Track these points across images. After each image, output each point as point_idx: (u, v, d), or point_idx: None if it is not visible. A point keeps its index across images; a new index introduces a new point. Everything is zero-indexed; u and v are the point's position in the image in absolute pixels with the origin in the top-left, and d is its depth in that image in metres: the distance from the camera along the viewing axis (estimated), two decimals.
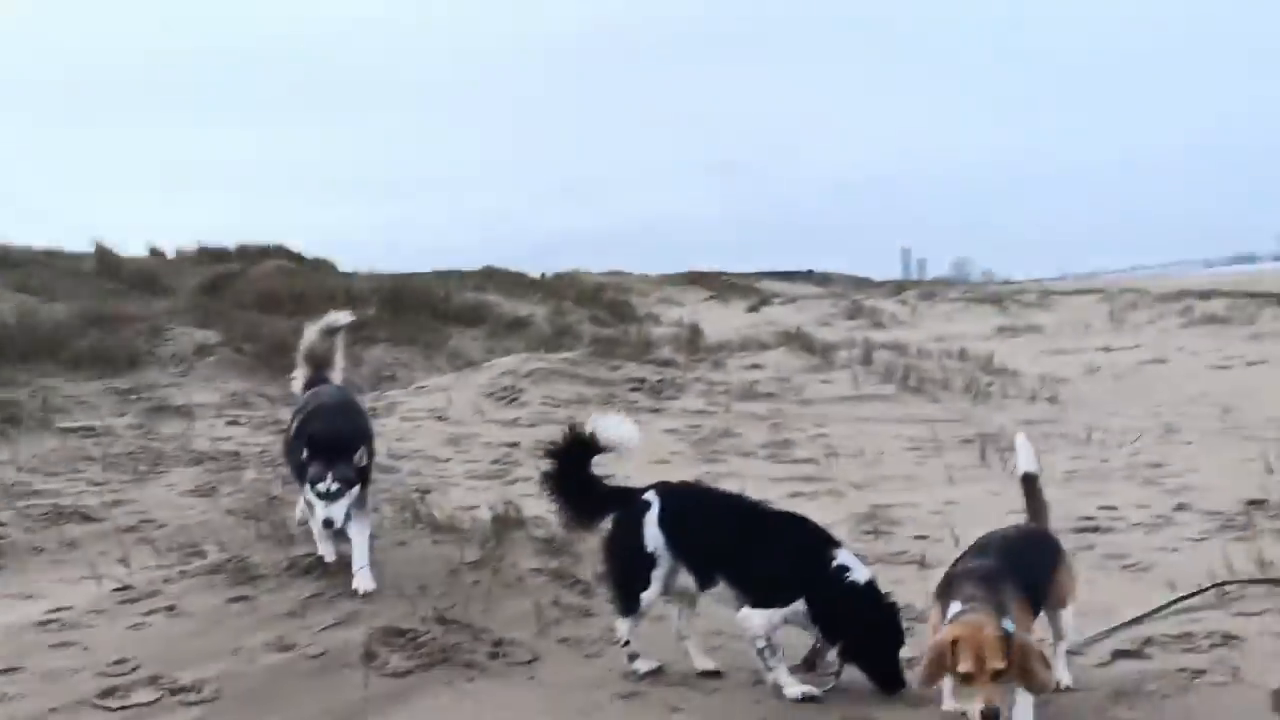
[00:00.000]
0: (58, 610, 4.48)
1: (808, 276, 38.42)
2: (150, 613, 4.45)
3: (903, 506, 6.40)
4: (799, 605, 3.89)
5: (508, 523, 5.51)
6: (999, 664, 3.12)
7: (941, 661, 3.24)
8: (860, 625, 3.84)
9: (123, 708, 3.72)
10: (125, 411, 10.63)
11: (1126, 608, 4.50)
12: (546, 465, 4.30)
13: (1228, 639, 4.03)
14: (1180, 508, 6.45)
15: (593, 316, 19.85)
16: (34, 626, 4.34)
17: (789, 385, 10.32)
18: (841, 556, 3.94)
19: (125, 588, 4.71)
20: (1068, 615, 3.83)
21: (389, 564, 4.91)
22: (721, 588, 3.99)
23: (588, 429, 4.24)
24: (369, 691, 3.86)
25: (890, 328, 20.24)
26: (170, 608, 4.49)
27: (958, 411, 9.47)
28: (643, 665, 4.09)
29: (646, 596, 4.04)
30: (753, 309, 23.63)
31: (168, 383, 12.42)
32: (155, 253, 24.01)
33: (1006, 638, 3.18)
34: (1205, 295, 20.35)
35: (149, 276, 20.99)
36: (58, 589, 4.88)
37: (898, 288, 32.14)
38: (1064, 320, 19.83)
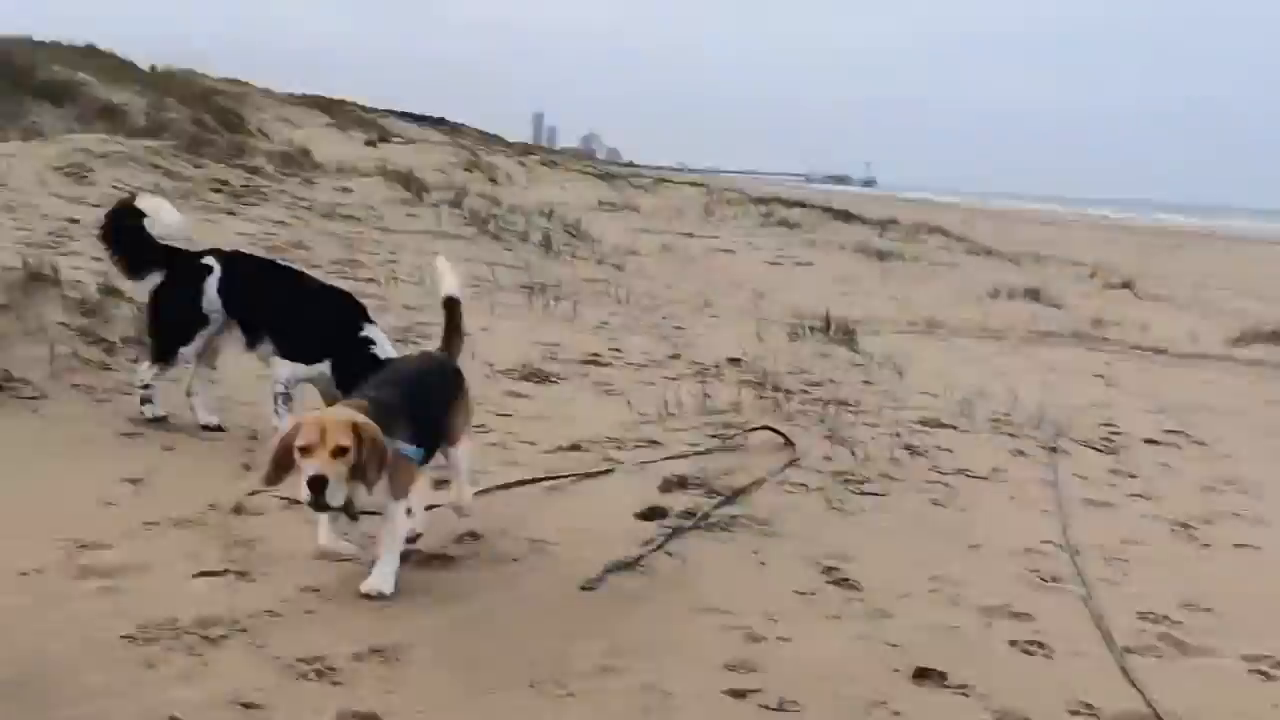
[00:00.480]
0: None
1: (438, 124, 38.07)
2: None
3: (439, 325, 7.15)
4: (324, 367, 4.47)
5: (43, 279, 5.56)
6: (343, 440, 2.91)
7: (287, 449, 2.98)
8: None
9: None
10: None
11: (599, 424, 5.48)
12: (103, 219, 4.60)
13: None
14: (674, 357, 7.72)
15: (196, 119, 18.67)
16: None
17: (374, 213, 10.71)
18: (370, 330, 4.56)
19: None
20: (461, 452, 3.67)
21: None
22: (265, 345, 4.50)
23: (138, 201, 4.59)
24: None
25: (503, 185, 20.99)
26: None
27: (525, 261, 10.37)
28: (151, 411, 4.50)
29: (185, 351, 4.46)
30: (371, 143, 23.32)
31: None
32: None
33: (357, 424, 2.97)
34: (790, 204, 23.10)
35: None
36: None
37: (525, 150, 32.99)
38: (662, 205, 21.52)
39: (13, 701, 2.44)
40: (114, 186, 9.39)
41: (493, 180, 21.39)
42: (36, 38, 23.00)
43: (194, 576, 3.17)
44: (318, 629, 2.92)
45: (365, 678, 2.68)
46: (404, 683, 2.69)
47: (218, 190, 10.07)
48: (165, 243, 4.54)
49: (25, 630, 2.75)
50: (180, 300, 4.44)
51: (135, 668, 2.61)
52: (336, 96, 32.93)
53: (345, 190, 11.47)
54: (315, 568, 3.29)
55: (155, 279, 4.49)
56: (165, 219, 4.54)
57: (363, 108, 33.46)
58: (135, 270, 4.53)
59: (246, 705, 2.49)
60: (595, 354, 7.34)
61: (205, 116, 19.52)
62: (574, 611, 3.27)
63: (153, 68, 25.45)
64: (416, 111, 39.40)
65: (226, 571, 3.22)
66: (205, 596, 3.03)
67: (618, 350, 7.64)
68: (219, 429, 4.59)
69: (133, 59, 24.66)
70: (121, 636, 2.74)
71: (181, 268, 4.48)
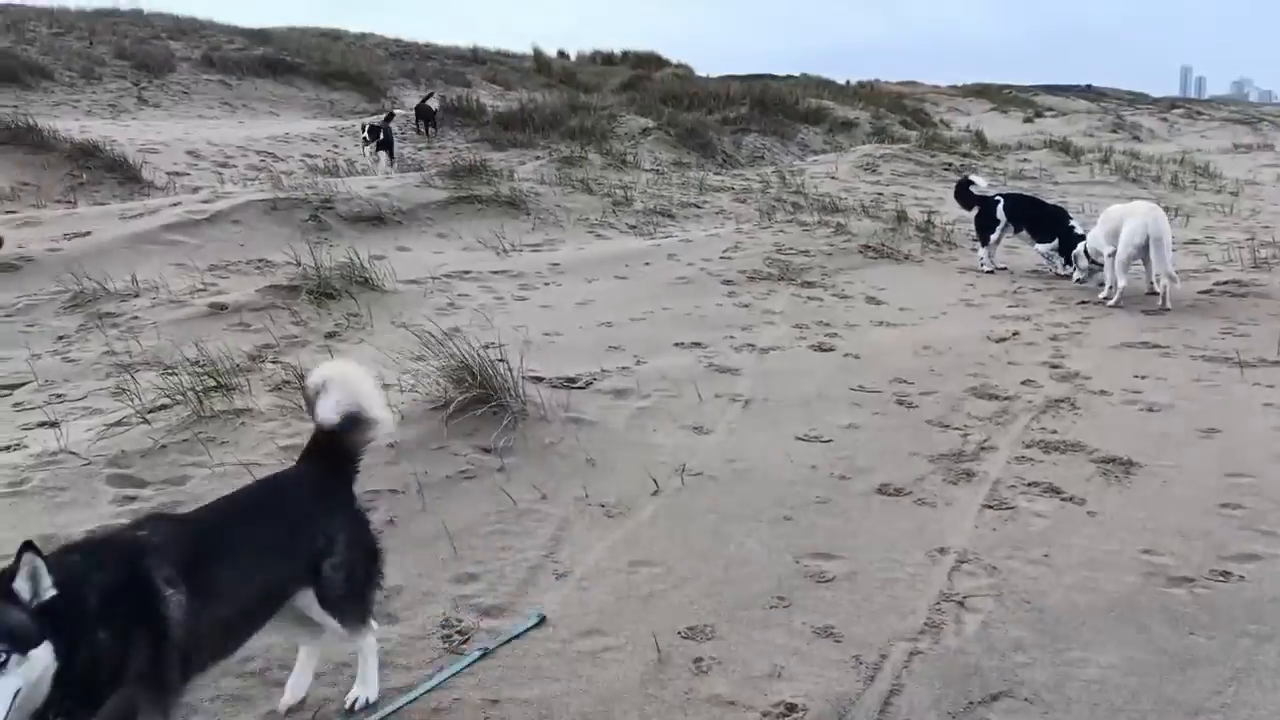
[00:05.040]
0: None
1: (1084, 91, 41.54)
2: None
3: None
4: (1054, 244, 10.43)
5: (904, 218, 12.15)
6: None
7: None
8: None
9: None
10: (608, 165, 17.79)
11: None
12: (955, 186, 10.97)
13: None
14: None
15: (901, 121, 25.76)
16: None
17: (1047, 173, 16.29)
18: (1074, 225, 10.38)
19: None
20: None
21: None
22: (1026, 235, 10.54)
23: (970, 175, 10.89)
24: None
25: (1146, 141, 24.90)
26: None
27: (1155, 195, 15.14)
28: (986, 267, 10.77)
29: (992, 239, 10.68)
30: (1028, 120, 28.61)
31: (622, 151, 19.59)
32: (562, 55, 31.59)
33: None
34: None
35: (569, 74, 28.54)
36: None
37: (1170, 105, 35.45)
38: None
39: None
40: (892, 173, 16.22)
41: (1135, 138, 25.38)
42: (777, 73, 32.20)
43: None
44: None
45: None
46: None
47: (947, 168, 16.46)
48: (978, 193, 10.67)
49: None
50: (988, 216, 10.49)
51: None
52: (991, 82, 38.57)
53: (1025, 161, 17.27)
54: None
55: (976, 209, 10.60)
56: (980, 182, 10.69)
57: (1015, 88, 38.59)
58: (968, 206, 10.70)
59: None
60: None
61: (906, 117, 26.52)
62: None
63: (848, 82, 33.57)
64: (1063, 83, 43.29)
65: None
66: None
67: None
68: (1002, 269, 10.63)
69: (832, 77, 32.92)
70: None
71: (987, 201, 10.56)
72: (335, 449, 2.95)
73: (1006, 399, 5.82)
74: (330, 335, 6.81)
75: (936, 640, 3.34)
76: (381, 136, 15.87)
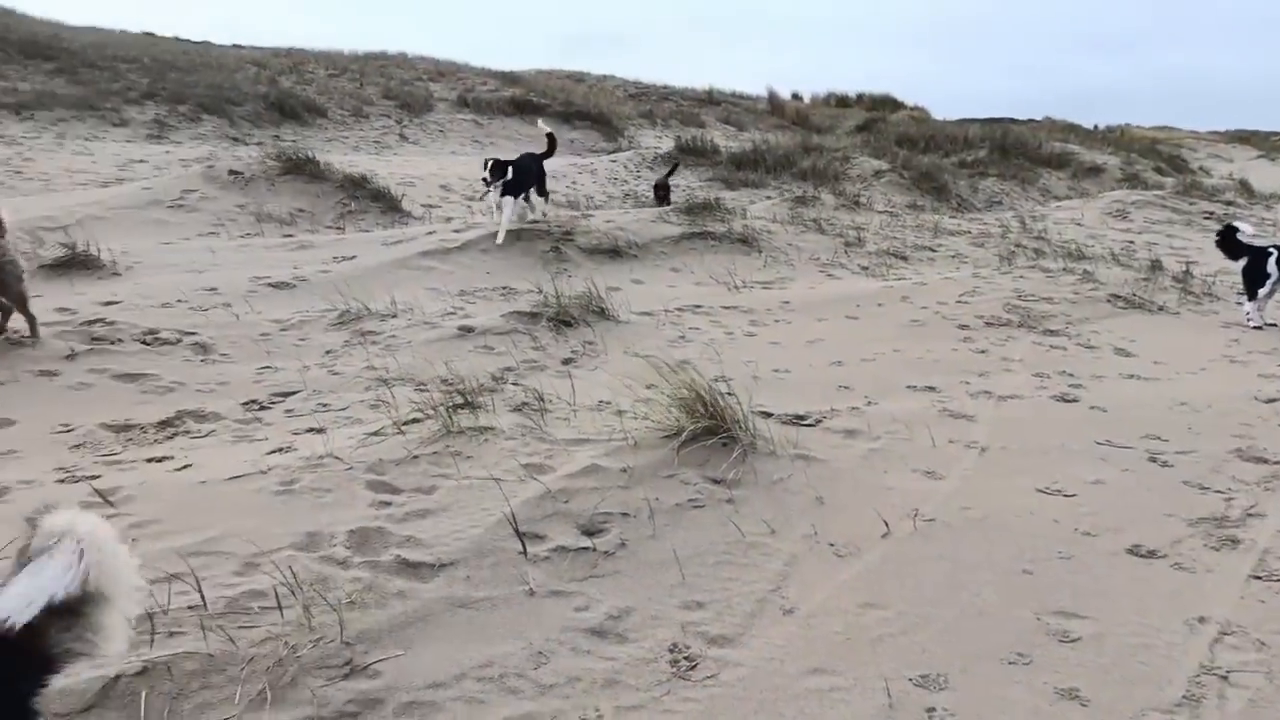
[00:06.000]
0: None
1: None
2: None
3: None
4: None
5: (1159, 267, 11.37)
6: None
7: None
8: None
9: None
10: (841, 206, 17.60)
11: None
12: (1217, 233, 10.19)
13: None
14: None
15: (1155, 167, 24.20)
16: None
17: None
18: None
19: None
20: None
21: None
22: None
23: (1235, 223, 10.10)
24: None
25: None
26: None
27: None
28: (1255, 322, 9.94)
29: (1261, 293, 9.81)
30: None
31: (855, 192, 19.37)
32: (796, 97, 31.84)
33: None
34: None
35: (803, 116, 28.67)
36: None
37: None
38: None
39: None
40: (1145, 220, 15.26)
41: None
42: (1018, 116, 31.03)
43: None
44: None
45: None
46: None
47: (1207, 217, 15.31)
48: (1246, 241, 9.87)
49: None
50: (1258, 268, 9.64)
51: None
52: (1253, 129, 35.64)
53: None
54: None
55: (1244, 259, 9.79)
56: (1246, 229, 9.89)
57: None
58: (1234, 256, 9.91)
59: None
60: None
61: (1160, 164, 24.90)
62: None
63: (1095, 127, 31.88)
64: None
65: None
66: None
67: None
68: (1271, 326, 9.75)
69: (1078, 122, 31.35)
70: None
71: (1257, 252, 9.73)
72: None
73: (1277, 464, 5.33)
74: (566, 361, 7.09)
75: (1196, 716, 3.09)
76: (509, 176, 10.45)
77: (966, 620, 3.67)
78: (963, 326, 8.34)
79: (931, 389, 6.57)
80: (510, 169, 10.42)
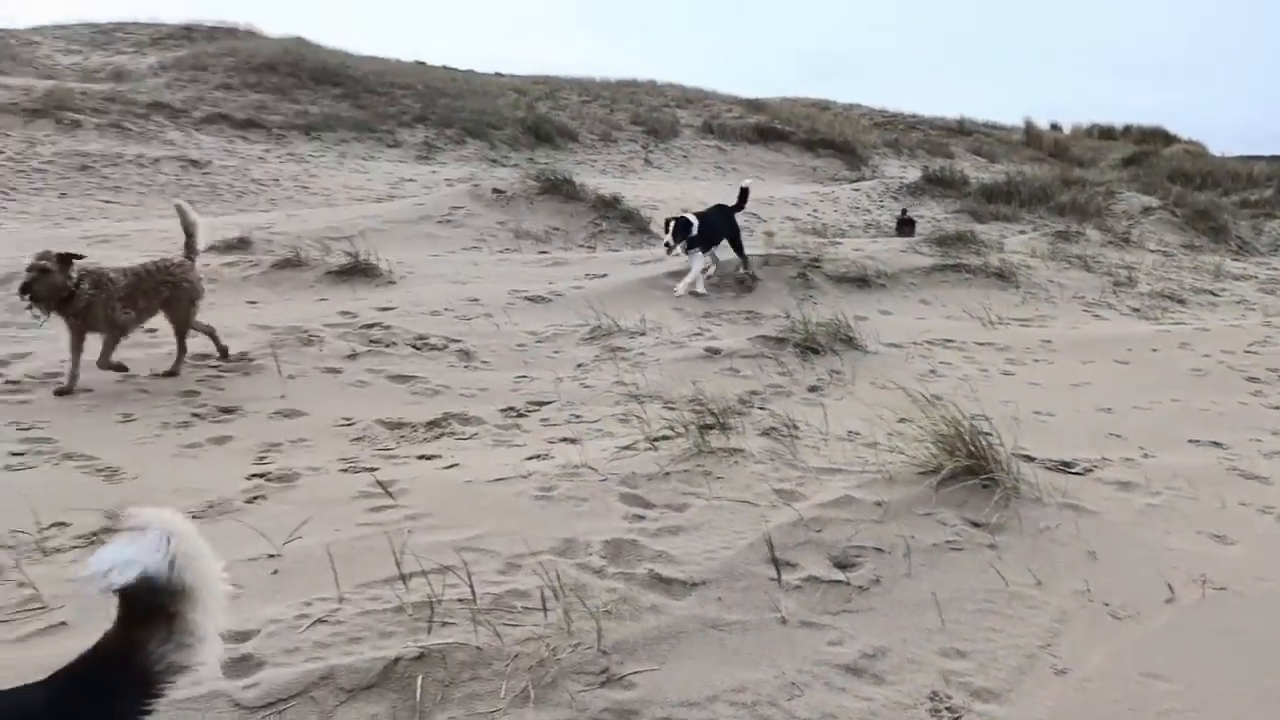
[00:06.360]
0: None
1: None
2: None
3: None
4: None
5: None
6: None
7: None
8: None
9: None
10: (1108, 243, 16.44)
11: None
12: None
13: None
14: None
15: None
16: None
17: None
18: None
19: None
20: None
21: None
22: None
23: None
24: None
25: None
26: None
27: None
28: None
29: None
30: None
31: (1123, 229, 18.06)
32: (1054, 128, 30.34)
33: None
34: None
35: (1061, 148, 27.27)
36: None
37: None
38: None
39: None
40: None
41: None
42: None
43: None
44: None
45: None
46: None
47: None
48: None
49: None
50: None
51: None
52: None
53: None
54: None
55: None
56: None
57: None
58: None
59: None
60: None
61: None
62: None
63: None
64: None
65: None
66: None
67: None
68: None
69: None
70: None
71: None
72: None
73: None
74: (813, 389, 6.99)
75: None
76: (695, 232, 9.70)
77: (1271, 708, 3.30)
78: (1252, 379, 7.60)
79: (1217, 445, 6.01)
80: (695, 225, 9.71)
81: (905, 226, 17.04)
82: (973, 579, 4.13)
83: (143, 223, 12.79)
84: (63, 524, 4.19)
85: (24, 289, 5.95)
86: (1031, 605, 3.94)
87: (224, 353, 6.85)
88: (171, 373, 6.51)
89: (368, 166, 19.87)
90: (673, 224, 9.64)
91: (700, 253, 9.84)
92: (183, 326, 6.60)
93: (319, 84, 25.10)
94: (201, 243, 6.81)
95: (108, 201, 15.67)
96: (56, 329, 6.22)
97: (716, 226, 10.03)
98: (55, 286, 5.95)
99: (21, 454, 5.07)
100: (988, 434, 5.26)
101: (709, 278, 10.00)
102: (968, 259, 11.12)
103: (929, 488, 4.83)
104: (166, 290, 6.43)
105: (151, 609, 1.77)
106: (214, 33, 28.93)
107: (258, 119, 21.73)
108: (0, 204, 14.62)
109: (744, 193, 10.52)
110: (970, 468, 4.90)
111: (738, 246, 10.26)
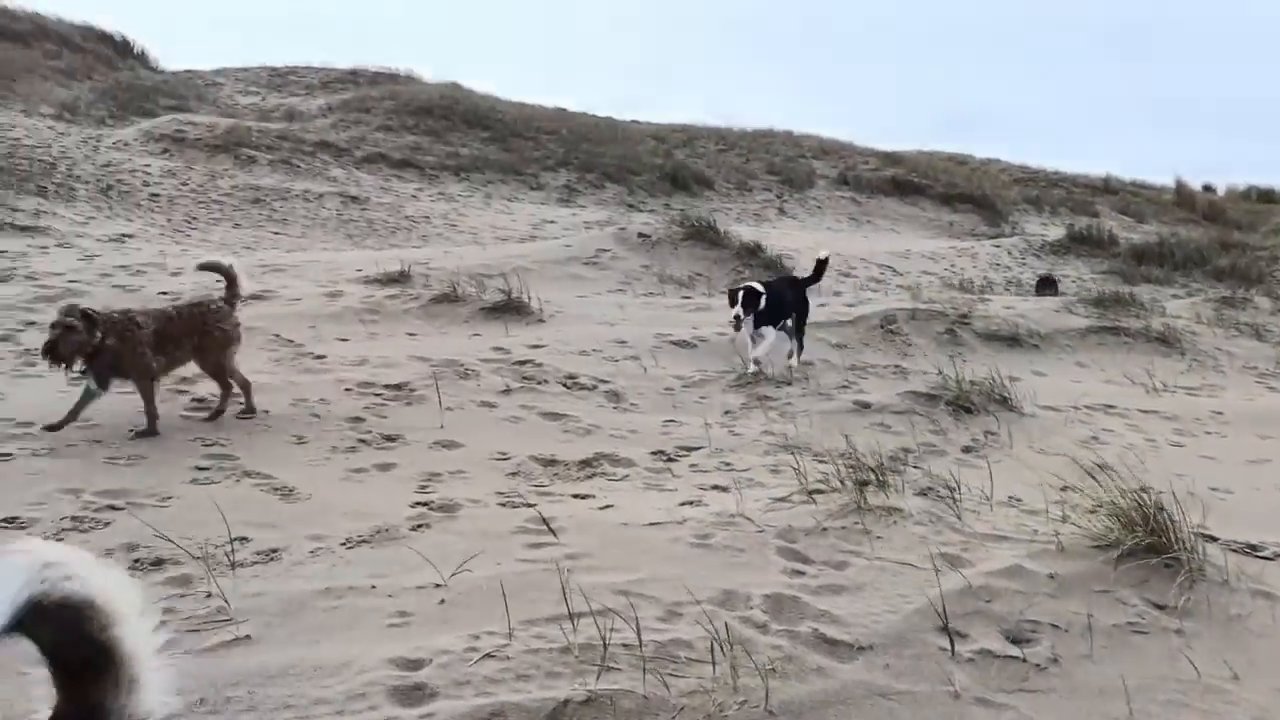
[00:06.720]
0: None
1: None
2: None
3: None
4: None
5: None
6: None
7: None
8: None
9: None
10: (1278, 311, 15.52)
11: None
12: None
13: None
14: None
15: None
16: None
17: None
18: None
19: None
20: None
21: None
22: None
23: None
24: None
25: None
26: None
27: None
28: None
29: None
30: None
31: None
32: (1208, 189, 29.11)
33: None
34: None
35: (1216, 210, 26.12)
36: None
37: None
38: None
39: None
40: None
41: None
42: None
43: None
44: None
45: None
46: None
47: None
48: None
49: None
50: None
51: None
52: None
53: None
54: None
55: None
56: None
57: None
58: None
59: None
60: None
61: None
62: None
63: None
64: None
65: None
66: None
67: None
68: None
69: None
70: None
71: None
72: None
73: None
74: (967, 449, 6.78)
75: None
76: (762, 306, 8.49)
77: None
78: None
79: None
80: (764, 297, 8.46)
81: (1046, 286, 16.50)
82: (1161, 667, 3.88)
83: (309, 254, 13.38)
84: (244, 539, 4.35)
85: (47, 349, 5.60)
86: (1229, 701, 3.68)
87: (251, 410, 6.41)
88: (222, 412, 6.30)
89: (512, 207, 20.39)
90: (743, 293, 8.44)
91: (772, 328, 8.67)
92: (216, 373, 6.31)
93: (470, 127, 25.95)
94: (244, 288, 6.47)
95: (276, 233, 16.47)
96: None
97: (784, 301, 8.80)
98: (80, 344, 5.60)
99: (206, 468, 5.31)
100: (1160, 509, 4.99)
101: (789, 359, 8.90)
102: (1127, 322, 10.68)
103: (1105, 563, 4.59)
104: (196, 337, 6.13)
105: (78, 643, 1.38)
106: (377, 77, 30.29)
107: (413, 159, 22.59)
108: (186, 232, 15.51)
109: (820, 265, 9.32)
110: (1152, 545, 4.64)
111: (800, 326, 8.99)
